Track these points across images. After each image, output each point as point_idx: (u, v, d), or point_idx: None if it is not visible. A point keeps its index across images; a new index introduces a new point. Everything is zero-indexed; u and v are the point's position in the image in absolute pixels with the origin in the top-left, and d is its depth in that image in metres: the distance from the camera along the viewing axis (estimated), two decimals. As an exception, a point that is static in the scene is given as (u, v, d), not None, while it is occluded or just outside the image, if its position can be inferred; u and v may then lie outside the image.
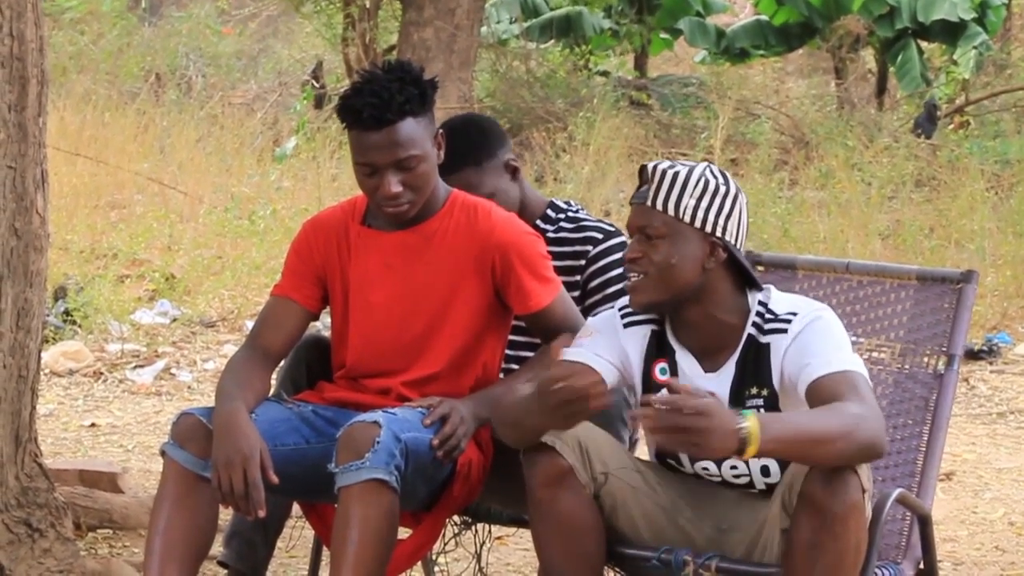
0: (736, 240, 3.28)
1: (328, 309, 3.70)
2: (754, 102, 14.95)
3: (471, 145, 3.90)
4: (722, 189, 3.27)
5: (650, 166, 3.29)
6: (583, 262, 3.93)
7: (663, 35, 18.43)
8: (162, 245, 9.42)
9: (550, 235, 3.96)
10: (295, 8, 16.47)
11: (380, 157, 3.47)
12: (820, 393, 3.13)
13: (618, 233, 3.95)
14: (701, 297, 3.27)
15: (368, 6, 14.11)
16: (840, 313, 3.74)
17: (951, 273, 3.82)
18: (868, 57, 18.27)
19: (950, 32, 16.69)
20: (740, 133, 13.54)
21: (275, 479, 3.35)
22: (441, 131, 3.59)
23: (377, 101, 3.43)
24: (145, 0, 18.56)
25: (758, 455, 2.97)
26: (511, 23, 17.28)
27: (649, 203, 3.26)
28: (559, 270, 3.87)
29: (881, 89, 17.38)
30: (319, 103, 14.47)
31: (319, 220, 3.69)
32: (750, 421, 2.95)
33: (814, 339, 3.21)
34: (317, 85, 14.95)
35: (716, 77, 16.17)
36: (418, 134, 3.49)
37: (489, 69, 15.67)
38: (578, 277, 3.93)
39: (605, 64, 18.53)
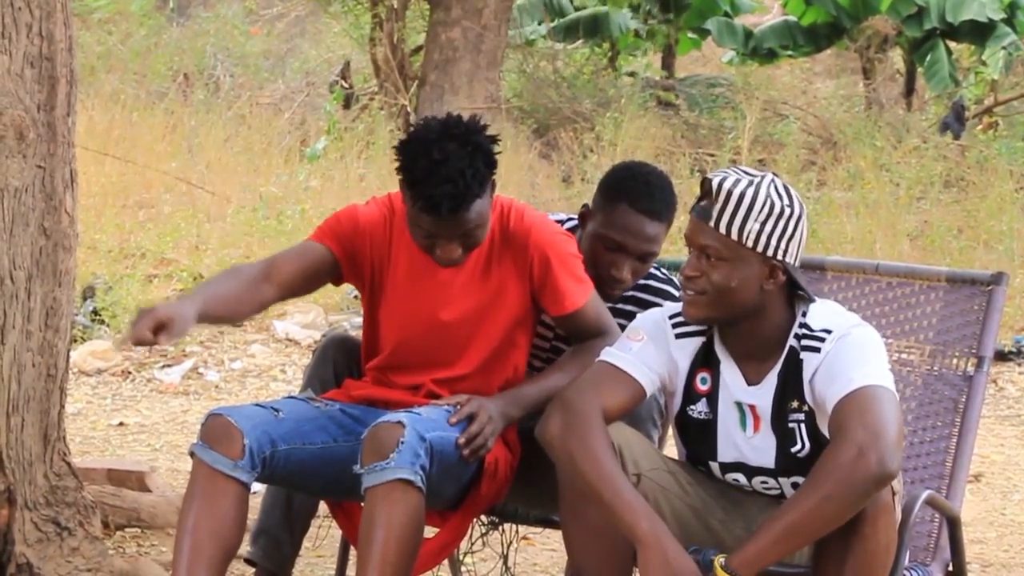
0: (796, 259, 3.23)
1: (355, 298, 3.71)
2: (782, 102, 14.92)
3: (673, 205, 3.79)
4: (787, 211, 3.19)
5: (714, 182, 3.21)
6: None
7: (691, 35, 18.43)
8: (190, 245, 9.44)
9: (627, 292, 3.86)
10: (323, 8, 16.50)
11: (447, 234, 3.45)
12: (834, 419, 3.11)
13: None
14: (755, 314, 3.24)
15: (396, 6, 14.12)
16: (869, 315, 3.77)
17: (981, 275, 3.81)
18: (896, 57, 18.23)
19: (979, 32, 16.63)
20: (768, 133, 13.52)
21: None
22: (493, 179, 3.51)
23: (453, 190, 3.37)
24: (173, 0, 18.60)
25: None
26: (538, 24, 17.30)
27: (712, 224, 3.19)
28: (621, 324, 3.82)
29: (909, 89, 17.34)
30: (347, 103, 14.50)
31: (368, 203, 3.66)
32: (719, 573, 3.04)
33: (839, 359, 3.18)
34: (345, 85, 14.97)
35: (744, 77, 16.13)
36: (485, 208, 3.47)
37: (516, 69, 15.67)
38: None
39: (632, 64, 18.52)
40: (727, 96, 15.37)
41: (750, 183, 3.20)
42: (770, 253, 3.18)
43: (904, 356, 3.76)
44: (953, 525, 3.48)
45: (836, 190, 11.53)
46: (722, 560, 3.05)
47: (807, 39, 17.76)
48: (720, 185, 3.19)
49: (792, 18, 17.87)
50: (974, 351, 3.72)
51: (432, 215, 3.41)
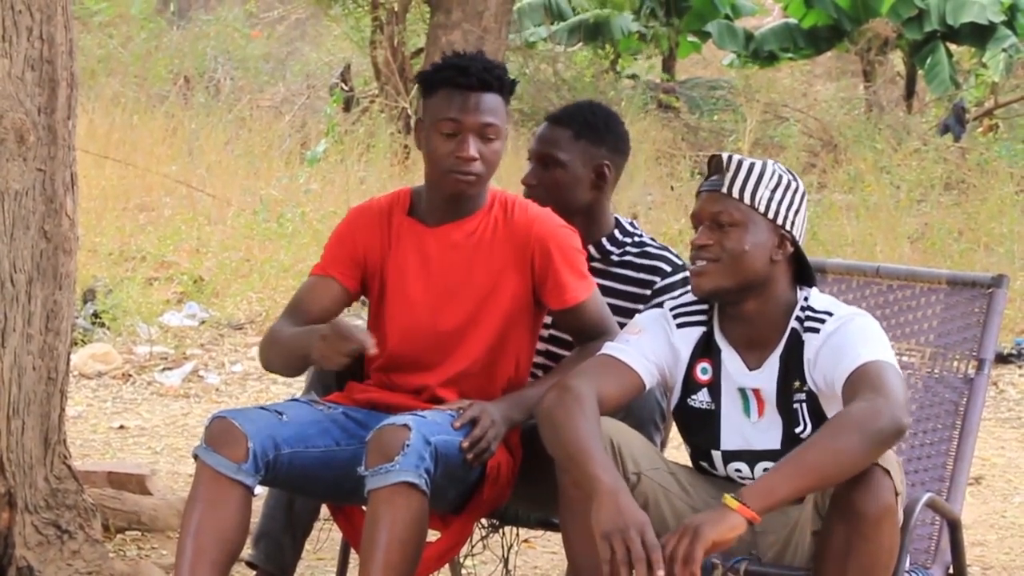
0: (800, 236, 3.34)
1: (362, 304, 3.73)
2: (782, 105, 14.98)
3: (590, 120, 3.96)
4: (792, 185, 3.35)
5: (725, 156, 3.34)
6: (648, 292, 3.91)
7: (691, 38, 18.46)
8: (190, 248, 9.45)
9: (615, 257, 3.95)
10: (323, 11, 16.51)
11: (470, 118, 3.54)
12: (846, 395, 3.18)
13: (684, 267, 3.91)
14: (762, 289, 3.31)
15: (396, 9, 14.14)
16: None
17: (982, 277, 3.83)
18: (897, 60, 18.26)
19: (979, 35, 16.66)
20: (768, 136, 13.57)
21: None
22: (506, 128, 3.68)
23: (481, 66, 3.56)
24: (174, 3, 18.61)
25: (764, 512, 3.04)
26: (538, 26, 17.32)
27: (725, 190, 3.30)
28: (621, 294, 3.88)
29: (910, 92, 17.35)
30: (347, 106, 14.51)
31: (364, 207, 3.73)
32: (727, 501, 3.04)
33: (845, 339, 3.24)
34: (345, 88, 14.98)
35: (744, 80, 16.17)
36: (503, 112, 3.60)
37: (517, 72, 15.68)
38: (641, 306, 3.88)
39: (633, 67, 18.55)
40: (728, 99, 15.42)
41: (757, 159, 3.35)
42: (780, 221, 3.30)
43: (905, 359, 3.76)
44: (954, 528, 3.49)
45: (836, 192, 11.57)
46: (732, 495, 3.06)
47: (807, 42, 17.78)
48: (730, 158, 3.32)
49: (792, 21, 17.89)
50: (975, 354, 3.74)
51: (462, 86, 3.54)
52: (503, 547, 4.18)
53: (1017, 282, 8.73)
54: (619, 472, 3.19)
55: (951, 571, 3.54)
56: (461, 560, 4.23)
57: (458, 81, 3.55)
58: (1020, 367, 7.91)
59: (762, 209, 3.29)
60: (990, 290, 3.78)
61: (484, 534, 4.02)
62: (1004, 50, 16.42)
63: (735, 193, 3.29)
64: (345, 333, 3.36)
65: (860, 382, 3.15)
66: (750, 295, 3.31)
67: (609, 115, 3.99)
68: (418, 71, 3.70)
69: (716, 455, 3.37)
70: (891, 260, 9.06)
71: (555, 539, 4.58)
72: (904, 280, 3.87)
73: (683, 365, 3.37)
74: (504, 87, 3.60)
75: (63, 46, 3.95)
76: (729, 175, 3.31)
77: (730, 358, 3.35)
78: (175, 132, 12.09)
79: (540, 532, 4.37)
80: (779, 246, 3.31)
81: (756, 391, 3.32)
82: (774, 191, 3.31)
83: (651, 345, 3.36)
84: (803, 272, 3.37)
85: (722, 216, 3.30)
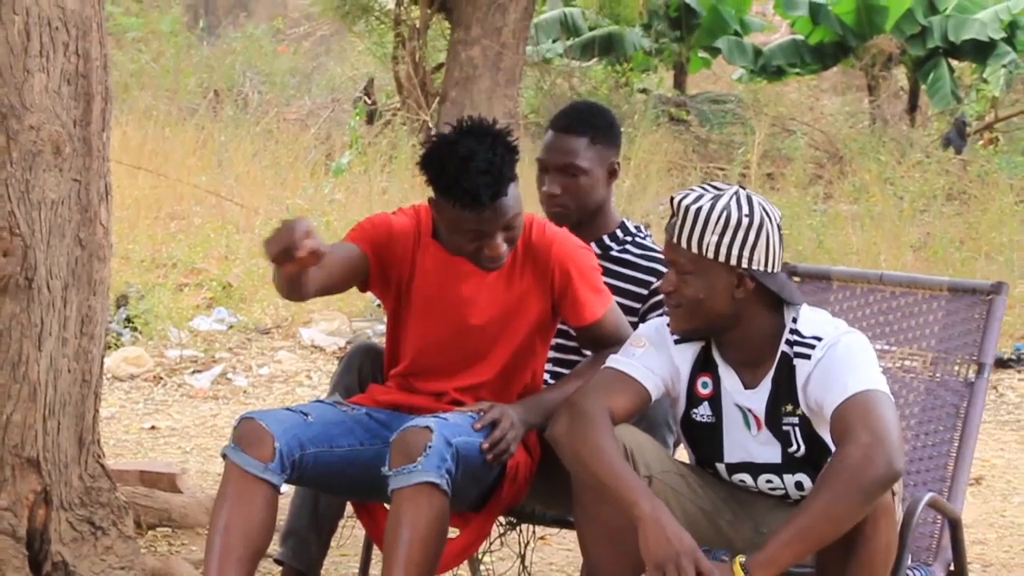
0: (766, 265, 3.27)
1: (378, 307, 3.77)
2: (790, 118, 15.03)
3: (598, 124, 4.02)
4: (745, 221, 3.24)
5: (675, 199, 3.29)
6: (646, 292, 3.97)
7: (702, 54, 18.53)
8: (219, 255, 9.49)
9: (614, 252, 4.01)
10: (347, 27, 16.59)
11: (492, 226, 3.51)
12: (836, 425, 3.18)
13: None
14: (737, 322, 3.31)
15: (418, 26, 14.21)
16: (874, 323, 3.82)
17: (982, 284, 3.87)
18: (900, 75, 18.28)
19: (980, 51, 16.73)
20: (776, 148, 13.60)
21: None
22: None
23: (489, 178, 3.45)
24: (203, 20, 18.72)
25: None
26: (553, 42, 17.41)
27: (675, 240, 3.28)
28: (615, 289, 3.91)
29: (913, 106, 17.40)
30: (370, 119, 14.59)
31: (399, 216, 3.71)
32: (736, 573, 3.08)
33: (834, 365, 3.23)
34: (368, 102, 15.06)
35: (753, 94, 16.28)
36: (518, 194, 3.53)
37: (534, 86, 15.78)
38: (638, 305, 3.96)
39: (645, 82, 18.60)
40: (737, 112, 15.47)
41: (708, 198, 3.28)
42: (733, 263, 3.25)
43: (907, 363, 3.80)
44: (954, 526, 3.53)
45: (842, 203, 11.59)
46: (743, 559, 3.10)
47: (814, 57, 17.84)
48: (680, 203, 3.28)
49: (800, 37, 17.98)
50: (975, 358, 3.78)
51: (475, 208, 3.46)
52: (520, 544, 4.24)
53: (1017, 289, 8.72)
54: (650, 490, 3.20)
55: (952, 568, 3.58)
56: (480, 556, 4.28)
57: (473, 205, 3.47)
58: (1020, 371, 7.90)
59: (711, 255, 3.24)
60: (990, 297, 3.82)
61: (502, 531, 4.07)
62: (1004, 66, 16.48)
63: (683, 243, 3.26)
64: (288, 226, 3.27)
65: (851, 417, 3.13)
66: (727, 329, 3.32)
67: (609, 114, 4.08)
68: (421, 158, 3.55)
69: (720, 467, 3.41)
70: (895, 268, 9.04)
71: (571, 536, 4.58)
72: (907, 287, 3.90)
73: (685, 379, 3.39)
74: (513, 175, 3.51)
75: (98, 61, 3.99)
76: (677, 223, 3.27)
77: (727, 375, 3.36)
78: (205, 144, 12.14)
79: (556, 529, 4.36)
80: (739, 285, 3.26)
81: (750, 410, 3.34)
82: (722, 235, 3.23)
83: (657, 359, 3.38)
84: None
85: (677, 265, 3.28)
